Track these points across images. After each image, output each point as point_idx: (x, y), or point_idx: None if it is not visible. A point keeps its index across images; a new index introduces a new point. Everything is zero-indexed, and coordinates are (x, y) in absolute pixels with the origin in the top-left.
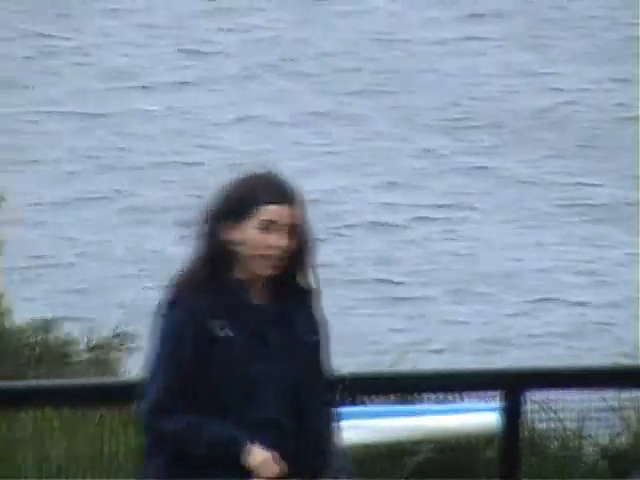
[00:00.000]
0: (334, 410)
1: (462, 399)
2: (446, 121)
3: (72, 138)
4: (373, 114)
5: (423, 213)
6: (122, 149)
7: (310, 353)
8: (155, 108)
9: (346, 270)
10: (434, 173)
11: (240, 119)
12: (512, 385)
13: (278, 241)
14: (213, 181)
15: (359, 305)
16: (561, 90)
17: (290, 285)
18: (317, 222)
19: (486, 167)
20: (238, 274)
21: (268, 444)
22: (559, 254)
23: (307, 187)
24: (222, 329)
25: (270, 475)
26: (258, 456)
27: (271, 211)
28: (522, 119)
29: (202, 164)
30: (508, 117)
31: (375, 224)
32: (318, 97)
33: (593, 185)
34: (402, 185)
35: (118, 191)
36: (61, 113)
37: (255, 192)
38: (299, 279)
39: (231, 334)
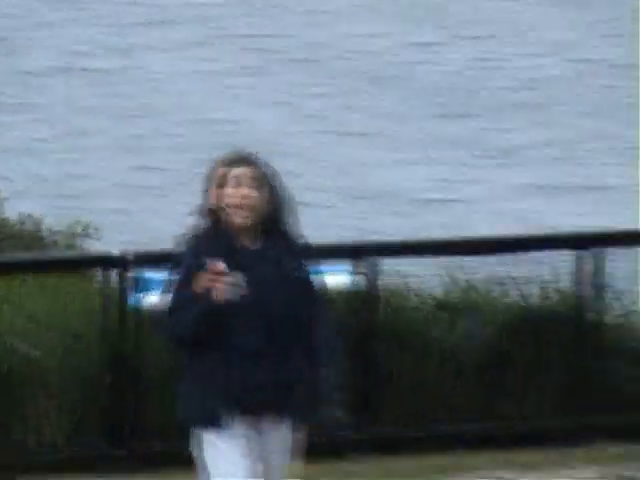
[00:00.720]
0: (323, 342)
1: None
2: None
3: None
4: None
5: None
6: None
7: (295, 287)
8: None
9: None
10: None
11: None
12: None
13: (235, 193)
14: None
15: None
16: None
17: (277, 232)
18: None
19: None
20: (228, 226)
21: (252, 370)
22: None
23: None
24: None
25: (216, 270)
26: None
27: (221, 171)
28: None
29: None
30: None
31: None
32: None
33: None
34: None
35: None
36: None
37: (216, 162)
38: (284, 227)
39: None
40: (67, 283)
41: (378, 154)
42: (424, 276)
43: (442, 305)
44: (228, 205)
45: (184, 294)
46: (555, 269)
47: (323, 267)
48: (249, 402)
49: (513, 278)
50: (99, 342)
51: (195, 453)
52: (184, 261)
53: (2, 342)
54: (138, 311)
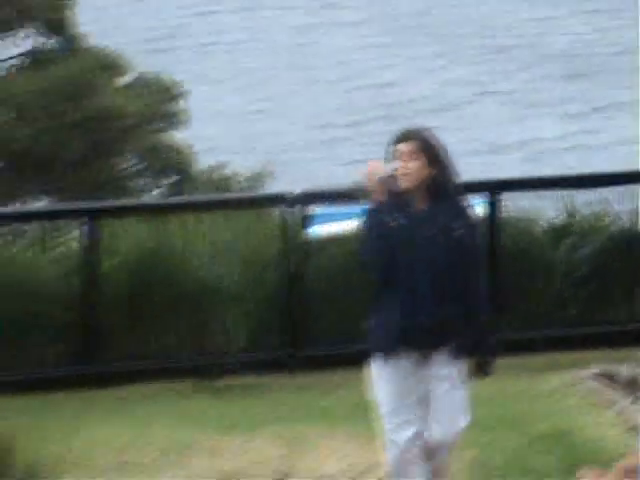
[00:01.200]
0: (481, 298)
1: None
2: None
3: None
4: None
5: None
6: None
7: (457, 244)
8: None
9: None
10: None
11: None
12: None
13: (403, 165)
14: None
15: None
16: None
17: (443, 195)
18: None
19: None
20: (402, 191)
21: (418, 311)
22: None
23: None
24: (394, 222)
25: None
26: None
27: (390, 148)
28: None
29: None
30: None
31: None
32: None
33: None
34: None
35: None
36: None
37: (391, 141)
38: (448, 190)
39: (400, 222)
40: (250, 219)
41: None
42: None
43: (558, 230)
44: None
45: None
46: None
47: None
48: (415, 337)
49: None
50: (274, 266)
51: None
52: (370, 222)
53: (193, 267)
54: (308, 241)
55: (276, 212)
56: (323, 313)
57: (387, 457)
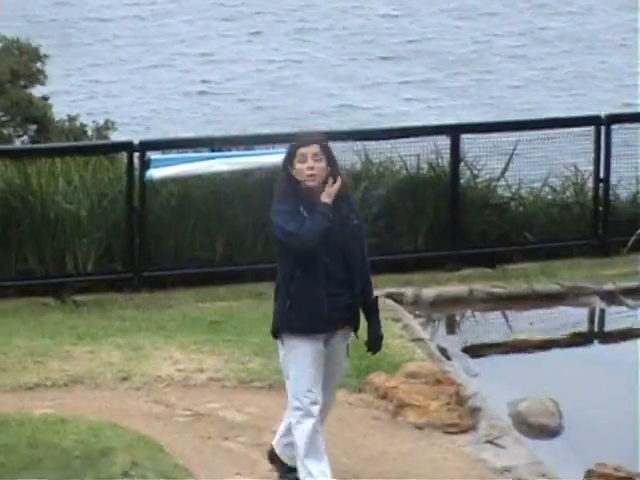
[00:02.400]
0: (369, 280)
1: None
2: None
3: None
4: None
5: None
6: None
7: (354, 233)
8: None
9: None
10: None
11: None
12: None
13: (308, 166)
14: None
15: None
16: None
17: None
18: None
19: None
20: (305, 192)
21: (337, 294)
22: None
23: None
24: (304, 211)
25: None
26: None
27: (302, 150)
28: None
29: None
30: None
31: None
32: None
33: None
34: None
35: None
36: None
37: (291, 146)
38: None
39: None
40: (101, 163)
41: None
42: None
43: (355, 175)
44: (304, 175)
45: (298, 221)
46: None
47: None
48: (332, 317)
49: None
50: (119, 201)
51: (281, 359)
52: (285, 208)
53: (53, 202)
54: (147, 182)
55: (123, 157)
56: (161, 241)
57: (301, 430)
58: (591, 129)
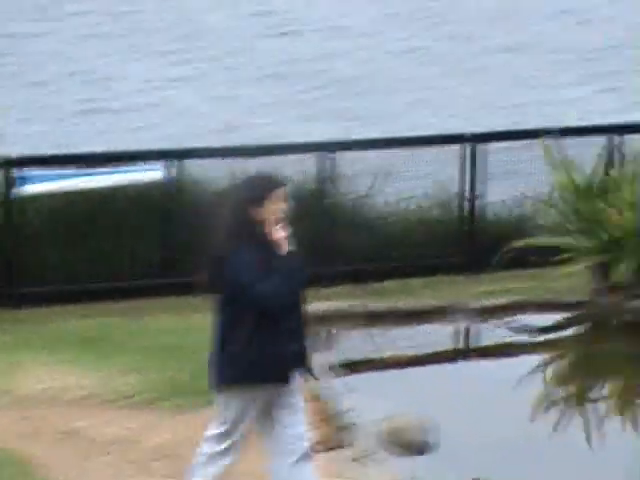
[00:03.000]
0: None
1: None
2: None
3: None
4: None
5: None
6: None
7: (304, 277)
8: None
9: None
10: None
11: None
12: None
13: (283, 208)
14: None
15: None
16: None
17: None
18: None
19: None
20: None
21: (295, 341)
22: None
23: None
24: (258, 258)
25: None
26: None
27: (279, 192)
28: None
29: None
30: None
31: None
32: None
33: None
34: None
35: None
36: None
37: (264, 183)
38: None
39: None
40: None
41: None
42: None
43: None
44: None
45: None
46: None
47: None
48: (292, 364)
49: None
50: None
51: (222, 408)
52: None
53: None
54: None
55: None
56: (37, 257)
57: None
58: (457, 147)
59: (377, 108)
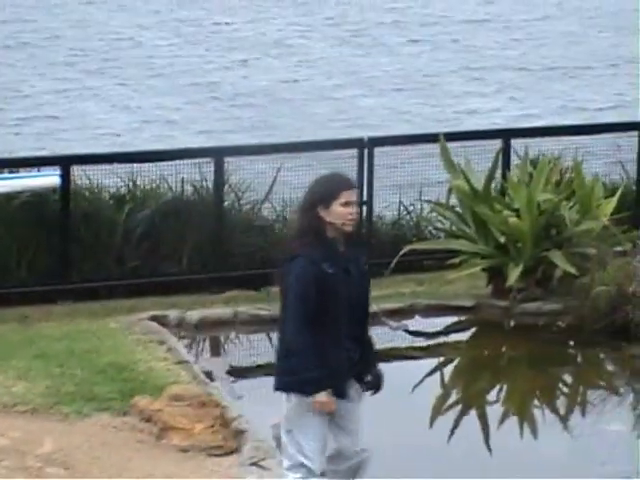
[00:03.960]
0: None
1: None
2: None
3: None
4: None
5: None
6: None
7: (367, 281)
8: None
9: None
10: None
11: None
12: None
13: (353, 211)
14: None
15: None
16: None
17: (354, 241)
18: None
19: None
20: (330, 235)
21: (351, 352)
22: None
23: None
24: (328, 268)
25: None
26: (323, 397)
27: (347, 194)
28: None
29: None
30: None
31: None
32: None
33: None
34: None
35: None
36: None
37: (335, 184)
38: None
39: (331, 271)
40: None
41: None
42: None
43: (121, 197)
44: (344, 220)
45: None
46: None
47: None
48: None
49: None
50: None
51: (291, 418)
52: (303, 269)
53: None
54: None
55: None
56: None
57: None
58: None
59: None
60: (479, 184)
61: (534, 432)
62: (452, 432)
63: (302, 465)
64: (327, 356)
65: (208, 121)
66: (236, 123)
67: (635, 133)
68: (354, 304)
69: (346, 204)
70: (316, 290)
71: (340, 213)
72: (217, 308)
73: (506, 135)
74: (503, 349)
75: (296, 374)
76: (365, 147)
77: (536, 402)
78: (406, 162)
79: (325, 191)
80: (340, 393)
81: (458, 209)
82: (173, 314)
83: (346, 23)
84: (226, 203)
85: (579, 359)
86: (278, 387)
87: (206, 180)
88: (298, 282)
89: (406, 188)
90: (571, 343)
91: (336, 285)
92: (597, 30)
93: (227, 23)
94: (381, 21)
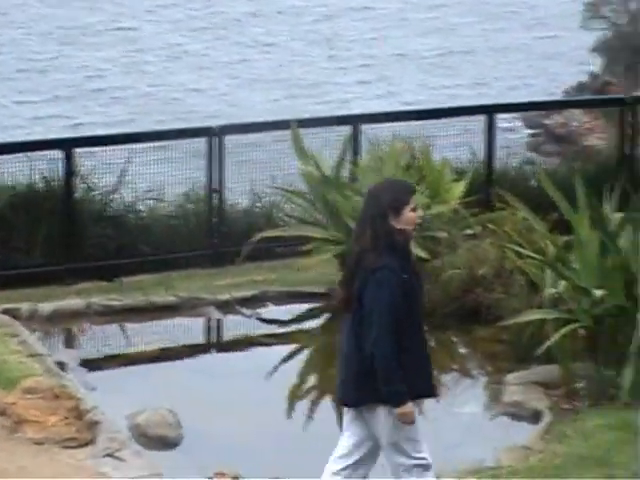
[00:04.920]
0: None
1: None
2: None
3: None
4: None
5: None
6: None
7: (423, 282)
8: None
9: None
10: None
11: None
12: None
13: (420, 215)
14: None
15: None
16: None
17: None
18: None
19: None
20: (401, 242)
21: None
22: None
23: None
24: (405, 275)
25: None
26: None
27: (414, 198)
28: None
29: None
30: None
31: None
32: None
33: None
34: None
35: None
36: None
37: (404, 191)
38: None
39: (407, 277)
40: None
41: None
42: None
43: None
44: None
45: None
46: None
47: None
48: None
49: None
50: None
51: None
52: (389, 279)
53: None
54: None
55: None
56: None
57: None
58: (202, 140)
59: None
60: (329, 170)
61: None
62: (307, 417)
63: (414, 466)
64: (412, 363)
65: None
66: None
67: (482, 117)
68: (423, 305)
69: (414, 209)
70: (402, 299)
71: (410, 218)
72: (70, 300)
73: (356, 121)
74: None
75: (387, 386)
76: (215, 135)
77: None
78: (259, 150)
79: (395, 199)
80: (430, 393)
81: (309, 196)
82: (25, 307)
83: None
84: (77, 194)
85: (431, 342)
86: (359, 402)
87: (57, 171)
88: (385, 293)
89: (259, 175)
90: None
91: (414, 291)
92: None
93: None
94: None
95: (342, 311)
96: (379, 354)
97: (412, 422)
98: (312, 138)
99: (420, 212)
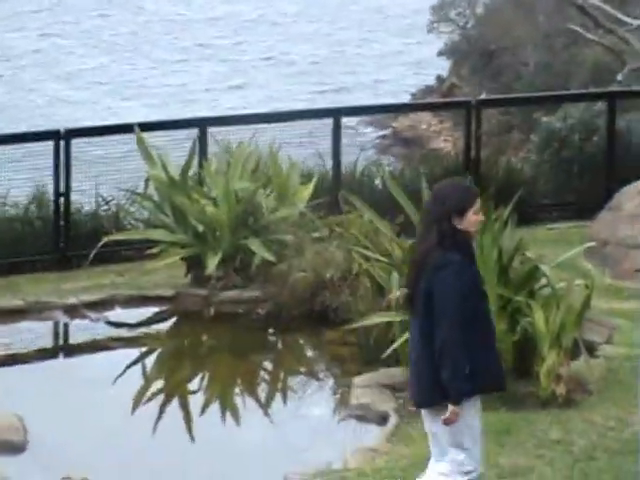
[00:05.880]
0: None
1: None
2: None
3: None
4: None
5: None
6: None
7: None
8: None
9: None
10: None
11: None
12: None
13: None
14: None
15: None
16: None
17: None
18: None
19: None
20: (465, 240)
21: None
22: None
23: None
24: (471, 266)
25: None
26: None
27: (478, 200)
28: None
29: None
30: None
31: None
32: None
33: None
34: None
35: None
36: None
37: (468, 194)
38: None
39: (473, 272)
40: None
41: None
42: None
43: None
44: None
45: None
46: None
47: None
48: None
49: None
50: None
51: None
52: (458, 273)
53: None
54: None
55: None
56: None
57: None
58: (50, 144)
59: None
60: (176, 173)
61: (236, 420)
62: (154, 421)
63: (468, 473)
64: (482, 357)
65: None
66: None
67: (330, 120)
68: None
69: (477, 212)
70: (469, 293)
71: (474, 221)
72: None
73: (202, 124)
74: (204, 338)
75: (451, 381)
76: (62, 138)
77: (238, 390)
78: (107, 153)
79: (460, 201)
80: (502, 387)
81: (156, 199)
82: None
83: None
84: None
85: (279, 345)
86: (430, 403)
87: None
88: (454, 288)
89: (106, 179)
90: (271, 330)
91: (480, 286)
92: None
93: None
94: None
95: (406, 311)
96: (447, 348)
97: (453, 423)
98: (164, 141)
99: (482, 217)
